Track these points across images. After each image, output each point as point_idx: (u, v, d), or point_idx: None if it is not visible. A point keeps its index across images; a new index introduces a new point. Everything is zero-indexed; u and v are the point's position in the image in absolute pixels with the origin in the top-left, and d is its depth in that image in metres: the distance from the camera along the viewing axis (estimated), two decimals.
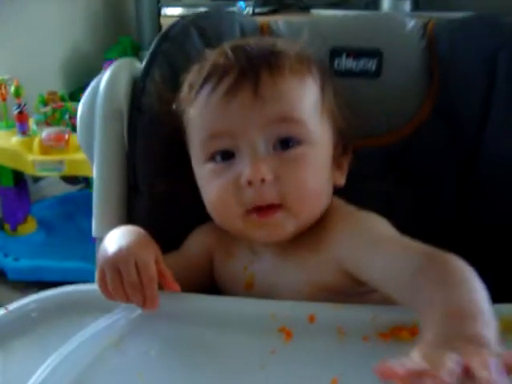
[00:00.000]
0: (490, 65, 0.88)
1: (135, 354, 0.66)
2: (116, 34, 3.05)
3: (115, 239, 0.74)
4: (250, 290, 0.80)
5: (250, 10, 2.60)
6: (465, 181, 0.90)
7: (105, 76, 0.88)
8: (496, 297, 0.60)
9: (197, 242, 0.86)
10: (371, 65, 0.90)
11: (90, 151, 0.88)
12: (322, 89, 0.78)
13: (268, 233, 0.75)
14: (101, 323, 0.69)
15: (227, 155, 0.74)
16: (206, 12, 0.97)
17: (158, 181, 0.86)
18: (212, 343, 0.67)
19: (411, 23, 0.94)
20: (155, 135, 0.86)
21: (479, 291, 0.58)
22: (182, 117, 0.80)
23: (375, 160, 0.89)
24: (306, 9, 2.69)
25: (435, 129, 0.90)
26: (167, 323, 0.70)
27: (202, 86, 0.76)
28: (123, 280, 0.69)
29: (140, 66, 0.90)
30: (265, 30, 0.96)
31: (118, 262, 0.70)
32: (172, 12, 2.71)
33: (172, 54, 0.88)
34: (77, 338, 0.66)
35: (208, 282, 0.85)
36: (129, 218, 0.87)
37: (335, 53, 0.90)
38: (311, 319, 0.67)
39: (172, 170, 0.85)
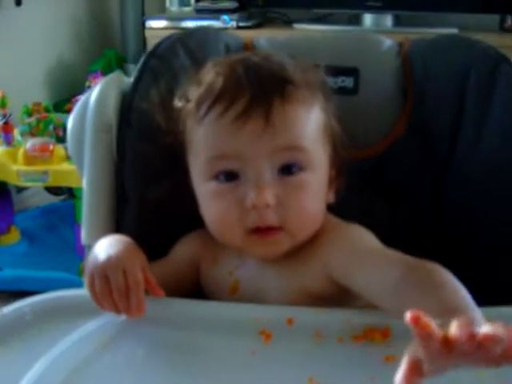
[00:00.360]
0: (461, 86, 0.93)
1: (123, 356, 0.69)
2: (101, 46, 3.07)
3: (105, 248, 0.77)
4: (234, 295, 0.83)
5: (234, 23, 2.65)
6: (437, 196, 0.95)
7: (95, 90, 0.91)
8: None
9: (183, 251, 0.89)
10: (349, 82, 0.95)
11: (81, 163, 0.91)
12: (326, 112, 0.82)
13: (266, 251, 0.79)
14: (90, 326, 0.72)
15: (231, 176, 0.77)
16: (192, 30, 1.01)
17: (146, 191, 0.89)
18: (196, 345, 0.70)
19: (387, 43, 0.99)
20: (144, 148, 0.88)
21: (462, 290, 0.63)
22: (185, 130, 0.82)
23: (352, 174, 0.94)
24: (289, 23, 2.76)
25: (409, 145, 0.95)
26: (153, 326, 0.73)
27: (211, 106, 0.77)
28: (111, 287, 0.72)
29: (127, 80, 0.94)
30: (249, 48, 1.00)
31: (106, 269, 0.73)
32: (157, 25, 2.73)
33: (159, 70, 0.92)
34: (67, 340, 0.69)
35: (194, 289, 0.88)
36: (117, 226, 0.90)
37: None
38: (290, 322, 0.71)
39: (160, 181, 0.88)
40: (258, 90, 0.75)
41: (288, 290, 0.80)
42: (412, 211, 0.95)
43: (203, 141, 0.79)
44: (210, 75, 0.80)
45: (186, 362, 0.68)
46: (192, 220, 0.85)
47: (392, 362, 0.66)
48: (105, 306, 0.73)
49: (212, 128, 0.77)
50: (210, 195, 0.79)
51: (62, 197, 2.69)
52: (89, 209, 0.89)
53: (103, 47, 3.07)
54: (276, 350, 0.68)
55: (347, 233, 0.81)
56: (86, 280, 0.74)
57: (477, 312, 0.59)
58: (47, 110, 2.37)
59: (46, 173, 2.10)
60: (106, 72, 2.56)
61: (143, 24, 2.80)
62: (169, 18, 2.78)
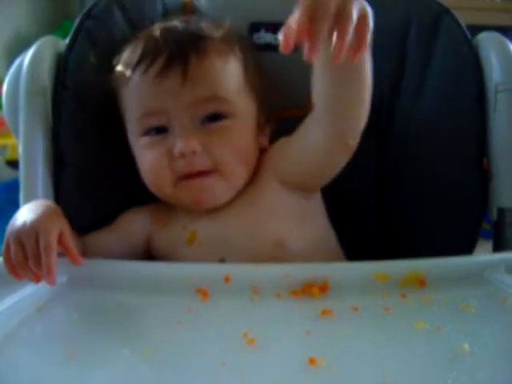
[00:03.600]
0: (401, 40, 0.92)
1: (57, 318, 0.68)
2: (60, 17, 3.00)
3: (23, 214, 0.76)
4: (191, 244, 0.84)
5: None
6: (381, 151, 0.94)
7: (29, 53, 0.89)
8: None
9: (133, 226, 0.89)
10: None
11: (16, 127, 0.89)
12: (245, 65, 0.85)
13: (198, 197, 0.81)
14: (25, 291, 0.71)
15: (161, 130, 0.81)
16: None
17: (83, 154, 0.88)
18: (131, 306, 0.69)
19: None
20: (79, 110, 0.87)
21: None
22: (116, 93, 0.85)
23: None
24: None
25: None
26: (90, 289, 0.72)
27: (135, 67, 0.81)
28: (27, 253, 0.70)
29: (63, 42, 0.91)
30: (188, 7, 0.98)
31: (20, 235, 0.71)
32: None
33: (95, 31, 0.90)
34: (1, 304, 0.69)
35: (142, 257, 0.88)
36: (55, 192, 0.88)
37: (254, 27, 0.93)
38: (226, 280, 0.70)
39: (97, 143, 0.88)
40: (175, 47, 0.80)
41: (251, 224, 0.82)
42: (356, 167, 0.93)
43: (131, 101, 0.83)
44: (132, 44, 0.85)
45: (120, 322, 0.67)
46: (131, 186, 0.86)
47: (328, 316, 0.66)
48: (20, 273, 0.71)
49: (137, 87, 0.82)
50: (143, 148, 0.83)
51: None
52: (25, 175, 0.87)
53: (62, 18, 3.00)
54: (212, 307, 0.68)
55: (277, 143, 0.86)
56: (2, 249, 0.72)
57: None
58: None
59: (4, 147, 2.07)
60: None
61: None
62: None
